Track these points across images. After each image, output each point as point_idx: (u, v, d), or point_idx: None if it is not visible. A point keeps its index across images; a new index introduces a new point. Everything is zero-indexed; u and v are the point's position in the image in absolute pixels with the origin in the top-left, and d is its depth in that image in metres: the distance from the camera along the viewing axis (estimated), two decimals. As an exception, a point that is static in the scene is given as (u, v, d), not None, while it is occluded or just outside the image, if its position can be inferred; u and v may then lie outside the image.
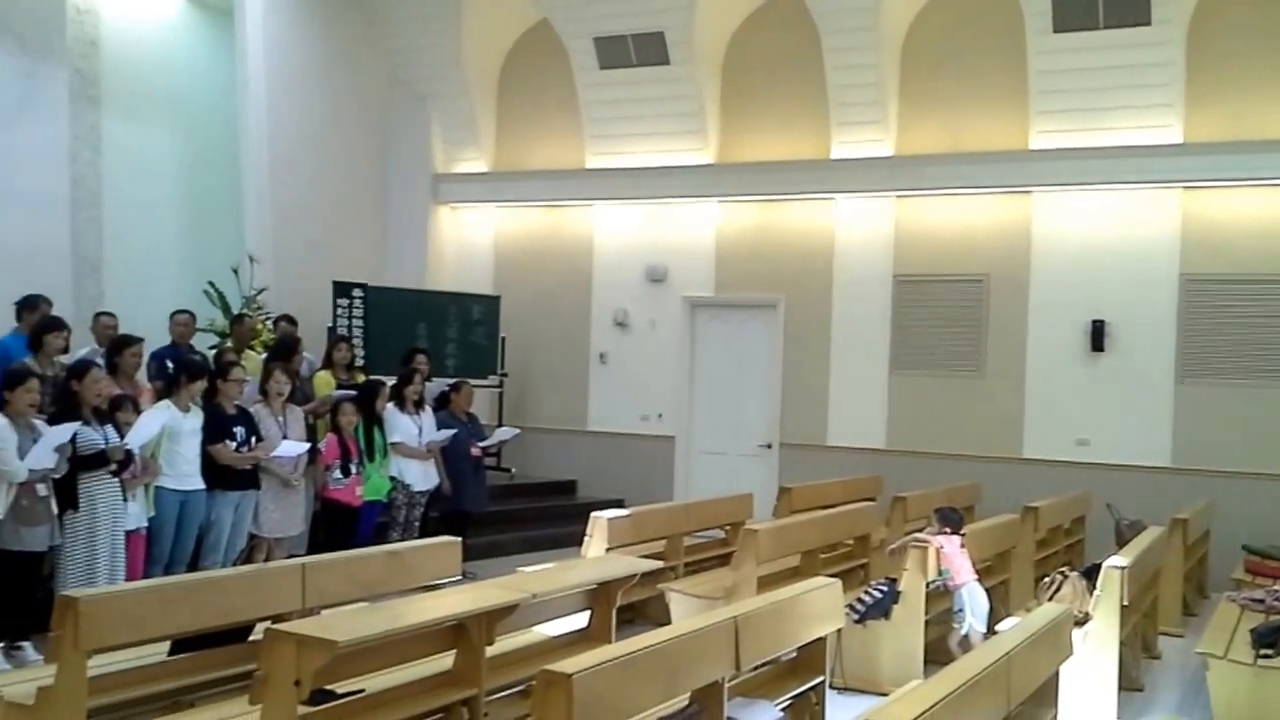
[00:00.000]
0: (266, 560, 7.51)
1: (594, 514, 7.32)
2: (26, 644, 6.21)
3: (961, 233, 10.86)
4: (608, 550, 7.05)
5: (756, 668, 4.76)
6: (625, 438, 12.19)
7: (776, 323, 11.66)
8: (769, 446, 11.64)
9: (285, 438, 7.75)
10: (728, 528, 8.61)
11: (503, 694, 4.88)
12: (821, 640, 5.10)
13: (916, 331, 11.03)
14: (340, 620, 4.36)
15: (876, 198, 11.17)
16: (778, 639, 4.71)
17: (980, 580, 6.55)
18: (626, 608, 6.75)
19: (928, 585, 6.47)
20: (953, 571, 6.41)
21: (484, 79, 12.91)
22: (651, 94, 11.76)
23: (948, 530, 6.54)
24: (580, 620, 5.46)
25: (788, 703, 4.93)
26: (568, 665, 3.43)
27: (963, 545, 6.51)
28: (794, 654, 5.07)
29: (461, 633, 4.56)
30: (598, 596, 5.42)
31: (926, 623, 6.44)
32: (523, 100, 12.89)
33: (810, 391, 11.44)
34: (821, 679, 5.15)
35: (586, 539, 7.21)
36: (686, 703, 4.28)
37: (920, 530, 6.94)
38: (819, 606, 5.02)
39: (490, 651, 4.65)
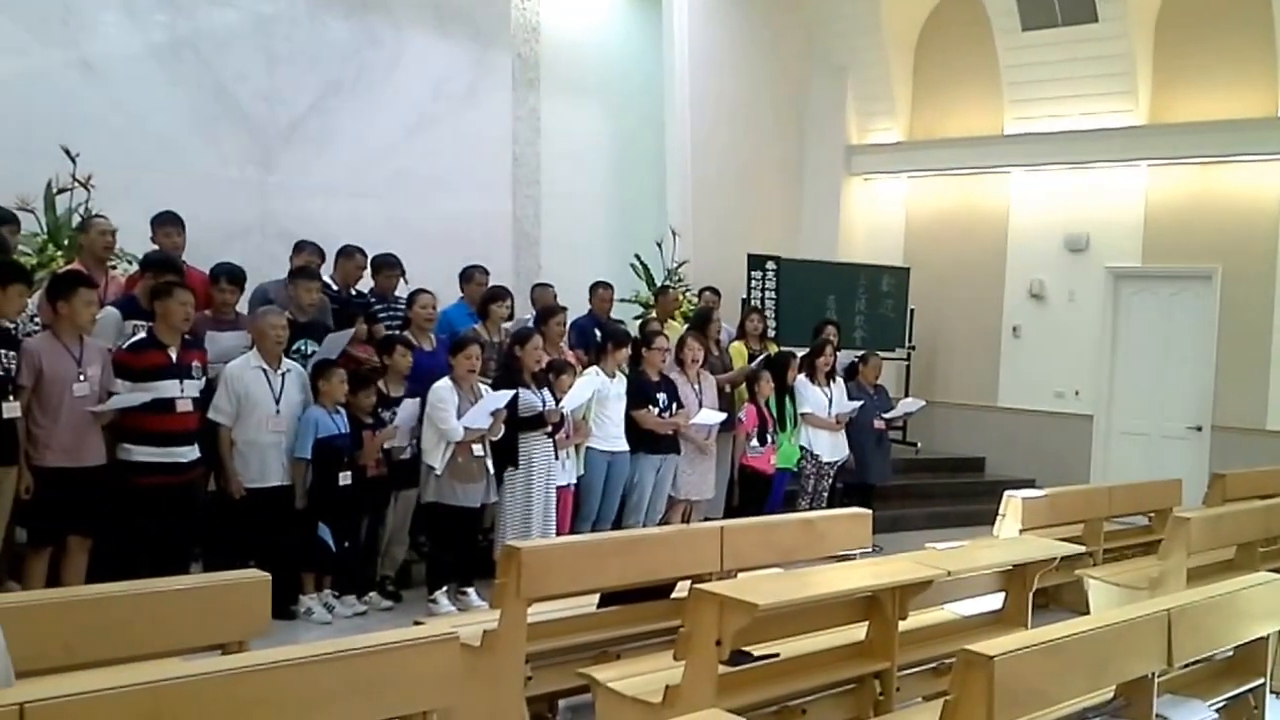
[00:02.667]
0: (683, 522, 7.86)
1: (1008, 493, 7.04)
2: (470, 589, 6.79)
3: None
4: (1021, 531, 6.76)
5: (1188, 665, 4.41)
6: (1038, 415, 11.62)
7: (1211, 294, 10.66)
8: (1199, 429, 10.69)
9: (701, 405, 8.04)
10: (1152, 514, 8.04)
11: (914, 670, 4.83)
12: (1263, 640, 4.64)
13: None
14: (760, 584, 4.47)
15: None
16: (1214, 636, 4.33)
17: None
18: (1039, 592, 6.44)
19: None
20: None
21: (901, 46, 12.67)
22: (1077, 54, 11.02)
23: None
24: (992, 602, 5.28)
25: (1222, 704, 4.53)
26: (989, 647, 3.34)
27: None
28: (1230, 653, 4.66)
29: (875, 605, 4.55)
30: (1013, 578, 5.22)
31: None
32: (939, 66, 12.53)
33: (1249, 370, 10.38)
34: (1261, 681, 4.69)
35: (999, 518, 6.95)
36: (1111, 696, 4.04)
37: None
38: (1260, 604, 4.56)
39: (902, 626, 4.61)
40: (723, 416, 8.11)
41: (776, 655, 4.44)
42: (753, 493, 8.33)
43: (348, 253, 7.71)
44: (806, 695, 4.48)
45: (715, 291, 9.91)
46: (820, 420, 8.78)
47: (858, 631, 4.66)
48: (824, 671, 4.49)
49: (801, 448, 8.69)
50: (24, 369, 5.33)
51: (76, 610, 3.32)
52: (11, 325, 5.46)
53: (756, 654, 4.38)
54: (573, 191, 11.63)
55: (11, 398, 5.26)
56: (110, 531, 5.72)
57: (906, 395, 11.33)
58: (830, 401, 8.87)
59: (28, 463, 5.36)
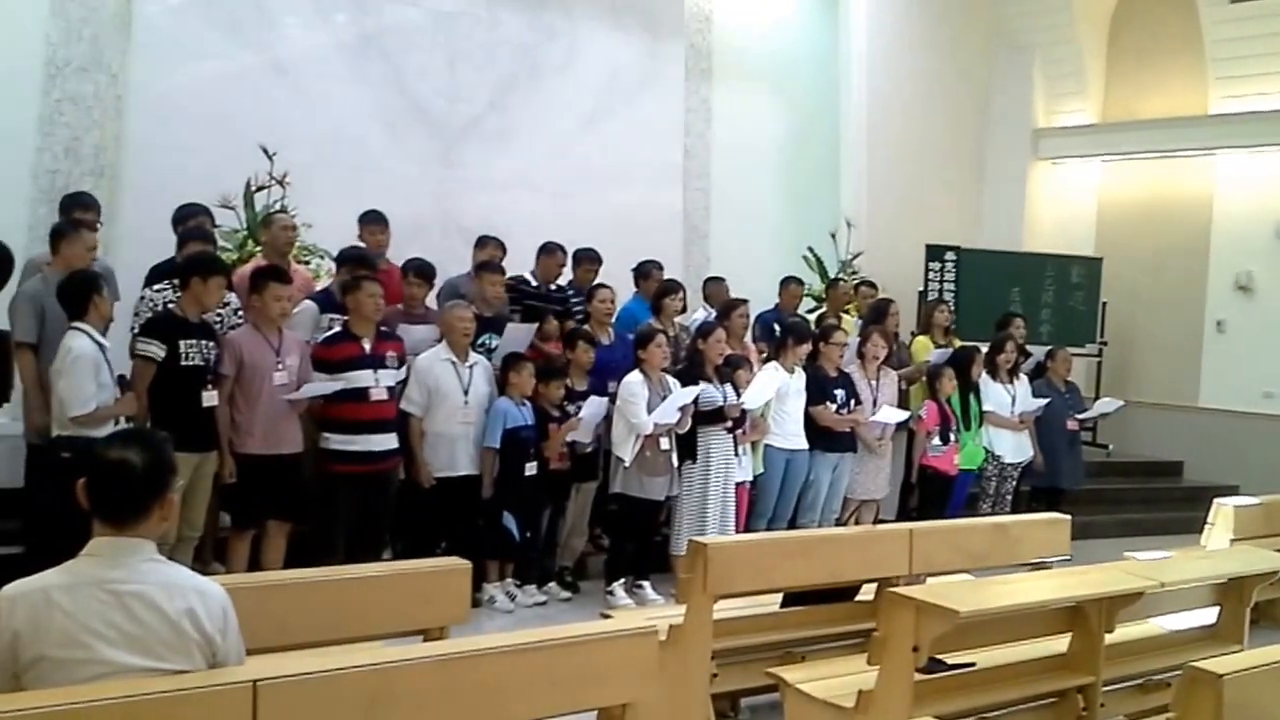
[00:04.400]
0: (855, 522, 7.70)
1: (1217, 500, 6.66)
2: (646, 583, 6.79)
3: None
4: (1232, 541, 6.37)
5: None
6: (1242, 416, 10.91)
7: None
8: None
9: (877, 402, 7.86)
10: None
11: (1119, 685, 4.60)
12: None
13: None
14: (959, 590, 4.32)
15: None
16: None
17: None
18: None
19: None
20: None
21: (1094, 21, 12.11)
22: (1293, 26, 10.36)
23: None
24: (1201, 616, 4.99)
25: None
26: (1216, 665, 3.17)
27: None
28: None
29: (1079, 616, 4.35)
30: (1229, 592, 4.92)
31: None
32: (1136, 42, 11.94)
33: None
34: None
35: (1207, 527, 6.58)
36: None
37: None
38: None
39: (1108, 639, 4.39)
40: (905, 415, 7.90)
41: (973, 664, 4.30)
42: (933, 494, 8.08)
43: (549, 250, 7.81)
44: (1005, 708, 4.35)
45: (872, 285, 9.72)
46: (1002, 419, 8.45)
47: (1058, 643, 4.47)
48: (1023, 684, 4.33)
49: (984, 448, 8.39)
50: (226, 359, 5.56)
51: (287, 594, 3.42)
52: (215, 319, 5.69)
53: (950, 661, 4.26)
54: (743, 183, 11.53)
55: (210, 386, 5.48)
56: (309, 516, 5.92)
57: (1097, 394, 10.82)
58: (1013, 400, 8.53)
59: (230, 449, 5.59)
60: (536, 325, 7.11)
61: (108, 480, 2.52)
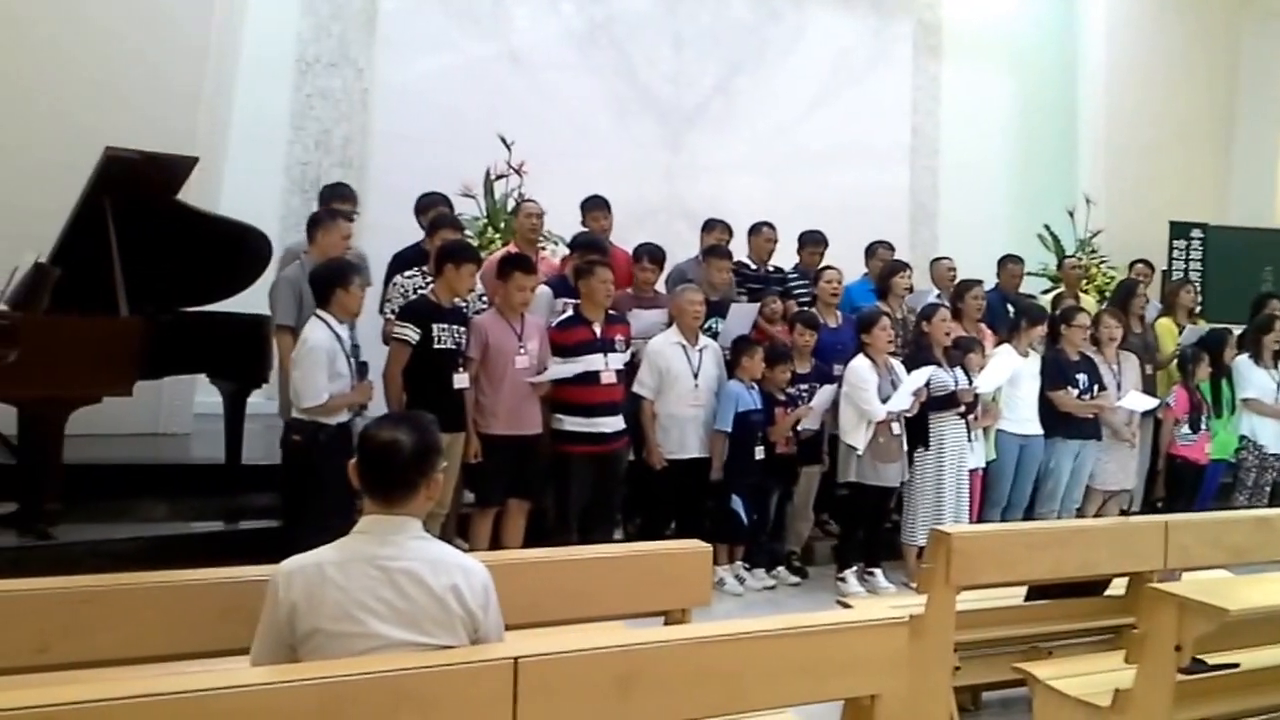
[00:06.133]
0: (1097, 515, 7.36)
1: None
2: (878, 570, 6.68)
3: None
4: None
5: None
6: None
7: None
8: None
9: (1121, 386, 7.47)
10: None
11: None
12: None
13: None
14: (1225, 587, 4.07)
15: None
16: None
17: None
18: None
19: None
20: None
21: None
22: None
23: None
24: None
25: None
26: None
27: None
28: None
29: (1364, 620, 4.02)
30: None
31: None
32: None
33: None
34: None
35: None
36: None
37: None
38: None
39: (1396, 647, 4.06)
40: (1154, 402, 7.49)
41: (1236, 665, 4.05)
42: (1182, 485, 7.66)
43: (756, 229, 7.79)
44: (1270, 712, 4.07)
45: (1149, 264, 9.19)
46: (1266, 407, 7.88)
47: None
48: (1295, 688, 4.03)
49: (1242, 436, 7.87)
50: (473, 343, 5.76)
51: (536, 572, 3.51)
52: (463, 303, 5.91)
53: (1211, 662, 4.03)
54: (973, 161, 11.23)
55: (461, 369, 5.70)
56: (545, 496, 6.10)
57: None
58: (1278, 386, 7.95)
59: (475, 430, 5.79)
60: (759, 305, 7.09)
61: (378, 460, 2.63)
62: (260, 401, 6.68)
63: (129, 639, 2.84)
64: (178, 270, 6.08)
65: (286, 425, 5.41)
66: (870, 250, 8.23)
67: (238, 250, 6.32)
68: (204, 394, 7.25)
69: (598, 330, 6.15)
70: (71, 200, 5.64)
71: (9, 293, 5.65)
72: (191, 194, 6.20)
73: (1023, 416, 7.13)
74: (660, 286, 7.14)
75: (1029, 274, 9.49)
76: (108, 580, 2.91)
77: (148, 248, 5.73)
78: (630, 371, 6.38)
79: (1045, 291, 9.41)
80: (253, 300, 6.35)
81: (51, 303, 5.45)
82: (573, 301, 6.34)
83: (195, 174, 6.04)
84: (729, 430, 6.47)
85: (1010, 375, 6.97)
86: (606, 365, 6.12)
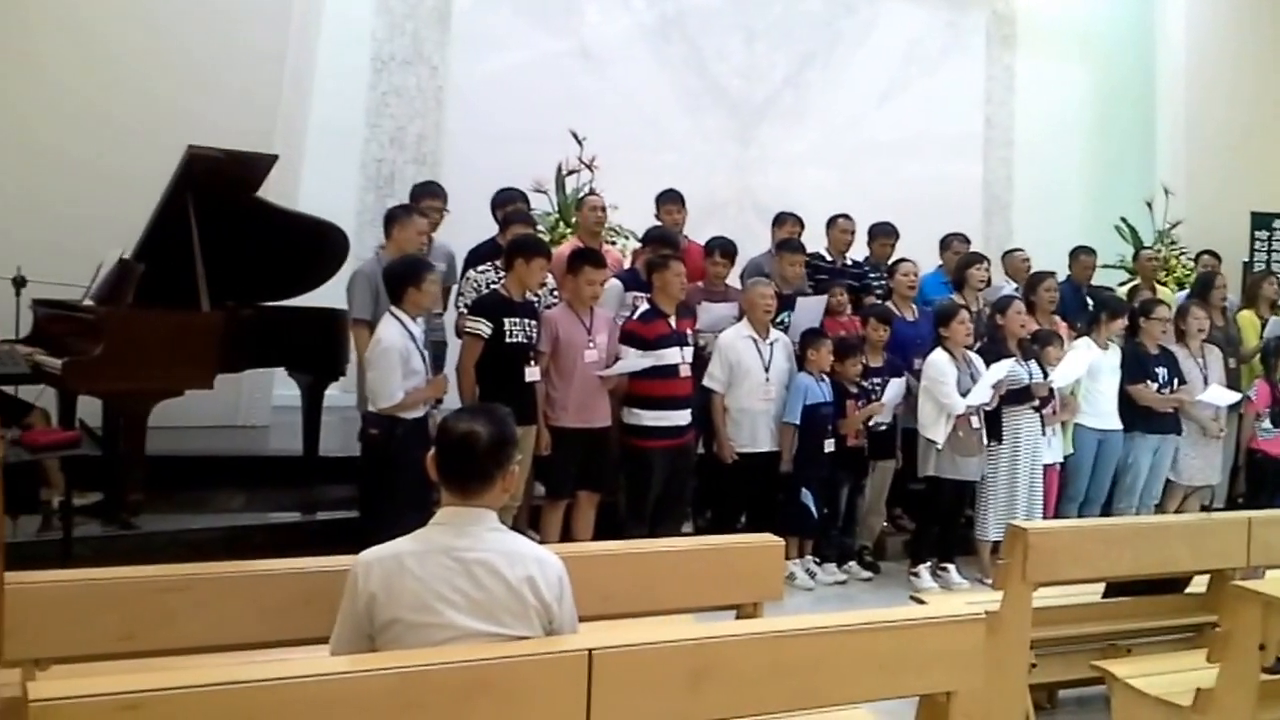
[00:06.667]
0: (1178, 510, 7.22)
1: None
2: (951, 566, 6.62)
3: None
4: None
5: None
6: None
7: None
8: None
9: (1206, 380, 7.32)
10: None
11: None
12: None
13: None
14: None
15: None
16: None
17: None
18: None
19: None
20: None
21: None
22: None
23: None
24: None
25: None
26: None
27: None
28: None
29: None
30: None
31: None
32: None
33: None
34: None
35: None
36: None
37: None
38: None
39: None
40: (1235, 396, 7.32)
41: (1324, 667, 3.95)
42: (1263, 480, 7.45)
43: (833, 221, 7.75)
44: (1358, 715, 3.96)
45: (1215, 255, 8.98)
46: (1356, 402, 7.68)
47: None
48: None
49: (1323, 432, 7.66)
50: (544, 336, 5.81)
51: (609, 564, 3.52)
52: (535, 297, 5.96)
53: (1297, 663, 3.95)
54: (1047, 152, 11.08)
55: (533, 363, 5.74)
56: (615, 488, 6.13)
57: None
58: (1363, 379, 7.73)
59: (545, 423, 5.84)
60: (825, 297, 7.05)
61: (456, 452, 2.65)
62: (338, 394, 6.79)
63: (211, 627, 2.90)
64: (257, 265, 6.20)
65: (364, 419, 5.50)
66: (945, 243, 8.14)
67: (315, 246, 6.42)
68: (282, 387, 7.40)
69: (673, 323, 6.15)
70: (154, 204, 5.78)
71: (95, 288, 5.81)
72: (271, 191, 6.32)
73: (1102, 411, 7.02)
74: (732, 280, 7.13)
75: (1106, 266, 9.32)
76: (191, 569, 2.97)
77: (228, 244, 5.85)
78: (695, 364, 6.37)
79: (1122, 284, 9.25)
80: (330, 295, 6.45)
81: (136, 298, 5.59)
82: (643, 295, 6.36)
83: (274, 171, 6.15)
84: (797, 422, 6.44)
85: (1087, 369, 6.86)
86: (683, 358, 6.14)
